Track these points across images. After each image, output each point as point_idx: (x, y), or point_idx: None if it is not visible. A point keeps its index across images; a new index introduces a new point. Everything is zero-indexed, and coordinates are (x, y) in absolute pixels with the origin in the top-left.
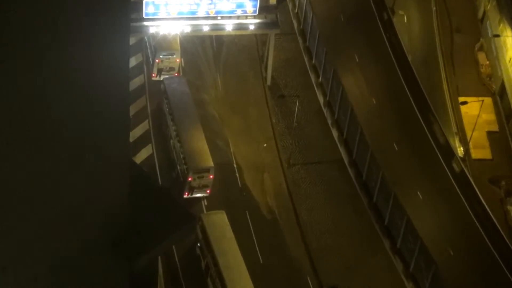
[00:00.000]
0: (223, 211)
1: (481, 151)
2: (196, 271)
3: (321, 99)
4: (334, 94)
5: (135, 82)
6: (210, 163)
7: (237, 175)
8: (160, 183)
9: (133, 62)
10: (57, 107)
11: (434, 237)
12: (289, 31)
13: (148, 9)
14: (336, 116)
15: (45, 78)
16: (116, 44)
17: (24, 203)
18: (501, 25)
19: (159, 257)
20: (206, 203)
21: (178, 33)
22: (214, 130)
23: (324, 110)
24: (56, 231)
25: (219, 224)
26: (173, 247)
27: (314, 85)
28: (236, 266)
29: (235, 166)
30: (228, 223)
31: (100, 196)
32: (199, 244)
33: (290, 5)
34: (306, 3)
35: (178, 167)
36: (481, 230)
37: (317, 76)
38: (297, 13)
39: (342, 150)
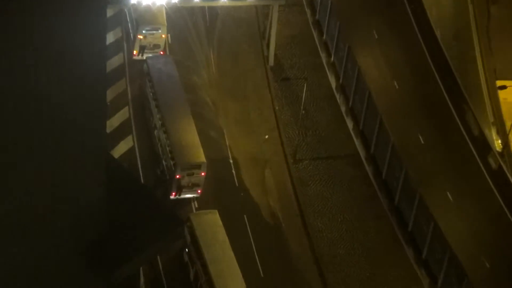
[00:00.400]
0: (215, 210)
1: None
2: (183, 281)
3: (333, 83)
4: (348, 76)
5: (113, 62)
6: (202, 158)
7: (234, 172)
8: (142, 181)
9: (110, 38)
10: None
11: (467, 246)
12: (295, 2)
13: None
14: (351, 103)
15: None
16: (90, 17)
17: None
18: None
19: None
20: (196, 205)
21: (164, 3)
22: (207, 119)
23: (337, 96)
24: (17, 238)
25: (210, 226)
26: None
27: (325, 65)
28: (231, 276)
29: (231, 161)
30: (221, 224)
31: (70, 196)
32: (187, 250)
33: None
34: None
35: (164, 162)
36: None
37: (329, 55)
38: None
39: (357, 143)
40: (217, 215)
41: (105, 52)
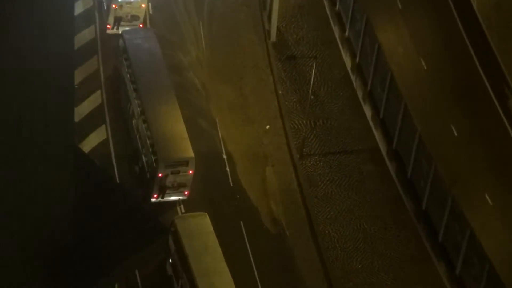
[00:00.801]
0: (205, 213)
1: None
2: None
3: (348, 62)
4: (366, 54)
5: (83, 37)
6: (190, 152)
7: (228, 169)
8: (118, 181)
9: (79, 8)
10: None
11: (510, 260)
12: None
13: None
14: (369, 86)
15: None
16: None
17: None
18: None
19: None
20: (183, 210)
21: None
22: (196, 105)
23: (353, 78)
24: None
25: (199, 232)
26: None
27: (339, 41)
28: None
29: (224, 157)
30: (212, 230)
31: (32, 198)
32: (171, 260)
33: None
34: None
35: (143, 158)
36: None
37: (343, 29)
38: None
39: (377, 135)
40: (207, 218)
41: (72, 24)
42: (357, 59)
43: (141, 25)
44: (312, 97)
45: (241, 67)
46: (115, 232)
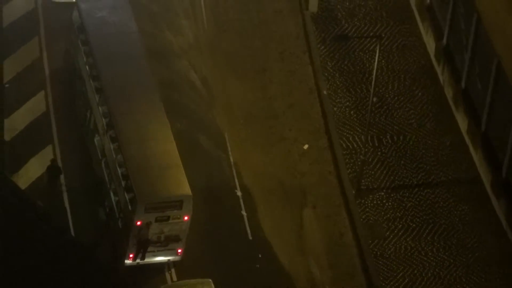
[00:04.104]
0: (209, 280)
1: None
2: None
3: (430, 44)
4: (459, 32)
5: (15, 7)
6: (184, 188)
7: (245, 214)
8: (72, 233)
9: None
10: None
11: None
12: None
13: None
14: (463, 82)
15: None
16: None
17: None
18: None
19: None
20: (174, 277)
21: None
22: (193, 113)
23: (438, 69)
24: None
25: None
26: None
27: (415, 11)
28: None
29: (239, 194)
30: None
31: None
32: None
33: None
34: None
35: (112, 197)
36: None
37: None
38: None
39: (477, 157)
40: (212, 286)
41: None
42: (444, 40)
43: None
44: (375, 99)
45: (264, 53)
46: None
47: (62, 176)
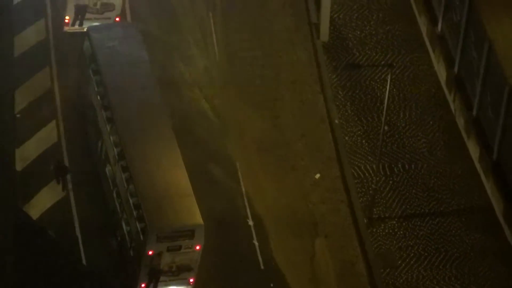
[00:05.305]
0: None
1: None
2: None
3: (441, 72)
4: (470, 60)
5: (26, 38)
6: (196, 217)
7: (257, 243)
8: (85, 262)
9: None
10: None
11: None
12: None
13: None
14: (475, 110)
15: None
16: None
17: None
18: None
19: None
20: None
21: None
22: (205, 142)
23: (449, 97)
24: None
25: None
26: None
27: (426, 41)
28: None
29: (251, 223)
30: None
31: None
32: None
33: None
34: None
35: (124, 226)
36: None
37: (433, 21)
38: None
39: (489, 186)
40: None
41: (10, 19)
42: (456, 68)
43: (117, 19)
44: (386, 128)
45: (275, 82)
46: None
47: (72, 202)
